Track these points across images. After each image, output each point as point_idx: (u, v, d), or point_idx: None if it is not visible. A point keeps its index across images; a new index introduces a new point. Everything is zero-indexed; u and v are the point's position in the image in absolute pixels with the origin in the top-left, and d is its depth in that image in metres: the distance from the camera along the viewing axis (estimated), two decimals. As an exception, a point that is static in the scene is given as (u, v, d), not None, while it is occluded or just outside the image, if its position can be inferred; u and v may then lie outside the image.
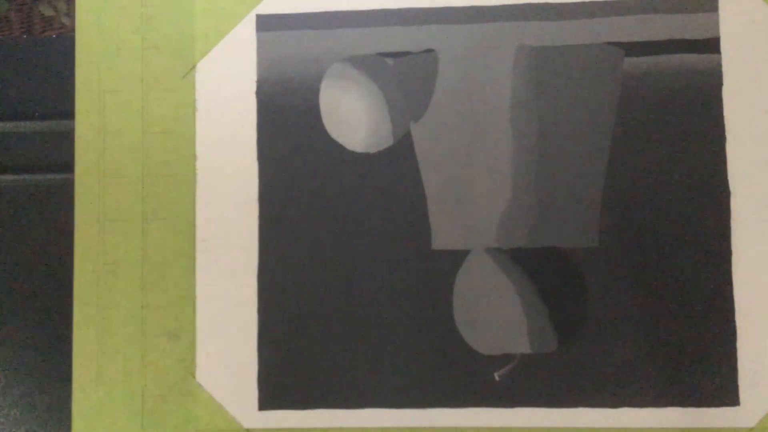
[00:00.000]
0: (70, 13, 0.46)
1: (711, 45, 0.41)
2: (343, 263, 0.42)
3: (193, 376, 0.42)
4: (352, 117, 0.43)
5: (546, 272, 0.41)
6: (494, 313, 0.41)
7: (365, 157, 0.42)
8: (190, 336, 0.42)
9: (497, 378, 0.41)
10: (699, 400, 0.40)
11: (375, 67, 0.43)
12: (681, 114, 0.41)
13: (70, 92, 0.43)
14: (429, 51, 0.42)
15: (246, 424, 0.41)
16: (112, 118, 0.43)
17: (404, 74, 0.42)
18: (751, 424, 0.40)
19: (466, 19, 0.42)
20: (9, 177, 0.45)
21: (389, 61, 0.42)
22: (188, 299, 0.42)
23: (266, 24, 0.43)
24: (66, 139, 0.43)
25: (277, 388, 0.41)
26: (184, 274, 0.42)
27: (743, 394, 0.40)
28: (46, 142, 0.45)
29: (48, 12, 0.45)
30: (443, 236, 0.41)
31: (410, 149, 0.42)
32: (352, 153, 0.42)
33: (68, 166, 0.43)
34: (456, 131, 0.42)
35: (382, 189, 0.42)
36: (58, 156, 0.44)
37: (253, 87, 0.43)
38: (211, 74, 0.43)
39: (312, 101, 0.42)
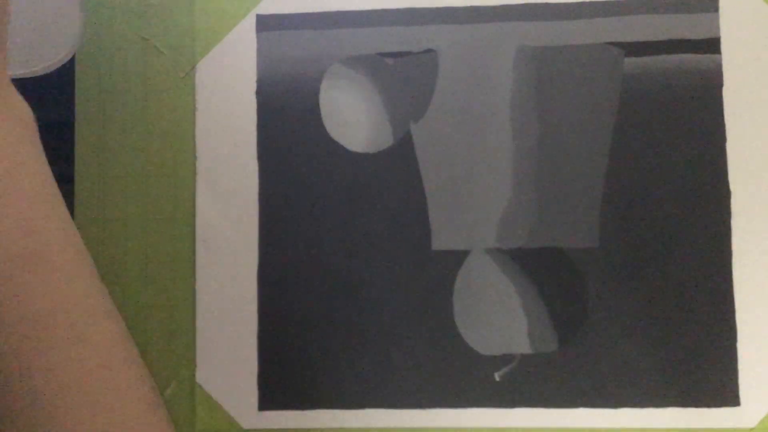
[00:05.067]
0: (70, 13, 0.45)
1: (711, 45, 0.41)
2: (343, 263, 0.42)
3: (193, 376, 0.42)
4: (352, 117, 0.43)
5: (546, 272, 0.41)
6: (494, 313, 0.41)
7: (365, 157, 0.42)
8: (190, 336, 0.42)
9: (497, 378, 0.41)
10: (699, 400, 0.40)
11: (375, 67, 0.43)
12: (681, 114, 0.41)
13: (70, 92, 0.43)
14: (429, 51, 0.42)
15: (245, 425, 0.41)
16: (112, 118, 0.43)
17: (404, 74, 0.42)
18: (752, 424, 0.39)
19: (466, 19, 0.42)
20: (9, 177, 0.45)
21: (389, 61, 0.42)
22: (188, 299, 0.42)
23: (266, 24, 0.43)
24: (66, 140, 0.43)
25: (277, 389, 0.41)
26: (184, 274, 0.42)
27: (744, 395, 0.40)
28: (45, 143, 0.45)
29: (48, 12, 0.45)
30: (443, 236, 0.41)
31: (410, 149, 0.42)
32: (352, 153, 0.42)
33: (68, 167, 0.43)
34: (456, 131, 0.42)
35: (382, 189, 0.42)
36: (59, 156, 0.44)
37: (253, 87, 0.43)
38: (211, 74, 0.43)
39: (312, 101, 0.42)
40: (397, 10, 0.42)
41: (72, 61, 0.44)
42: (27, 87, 0.45)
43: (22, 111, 0.30)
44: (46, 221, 0.29)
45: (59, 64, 0.38)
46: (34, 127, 0.31)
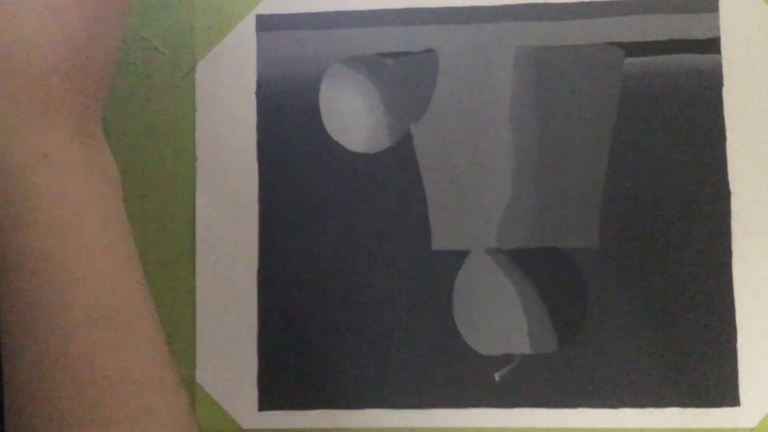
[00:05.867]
0: (71, 13, 0.45)
1: (711, 45, 0.41)
2: (343, 263, 0.42)
3: (193, 376, 0.42)
4: (352, 117, 0.43)
5: (546, 272, 0.41)
6: (494, 313, 0.41)
7: (365, 157, 0.42)
8: (190, 336, 0.42)
9: (497, 378, 0.41)
10: (699, 400, 0.40)
11: (375, 67, 0.43)
12: (681, 114, 0.41)
13: (70, 92, 0.43)
14: (429, 51, 0.42)
15: (245, 425, 0.41)
16: (113, 118, 0.43)
17: (404, 74, 0.42)
18: (752, 424, 0.39)
19: (466, 19, 0.42)
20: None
21: (389, 61, 0.42)
22: (188, 299, 0.42)
23: (266, 24, 0.43)
24: (66, 139, 0.43)
25: (277, 389, 0.41)
26: (184, 274, 0.42)
27: (744, 395, 0.40)
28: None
29: (48, 12, 0.45)
30: (443, 237, 0.41)
31: (410, 149, 0.42)
32: (352, 153, 0.42)
33: (68, 166, 0.43)
34: (456, 131, 0.42)
35: (382, 189, 0.42)
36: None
37: (253, 87, 0.43)
38: (211, 74, 0.43)
39: (312, 101, 0.42)
40: (397, 10, 0.42)
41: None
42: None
43: (110, 166, 0.30)
44: (127, 281, 0.29)
45: None
46: (119, 182, 0.30)
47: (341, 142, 0.42)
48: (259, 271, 0.42)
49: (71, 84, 0.27)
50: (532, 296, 0.41)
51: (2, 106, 0.27)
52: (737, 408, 0.40)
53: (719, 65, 0.41)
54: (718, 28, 0.41)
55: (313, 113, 0.42)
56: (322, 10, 0.43)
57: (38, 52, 0.27)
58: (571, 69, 0.41)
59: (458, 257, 0.41)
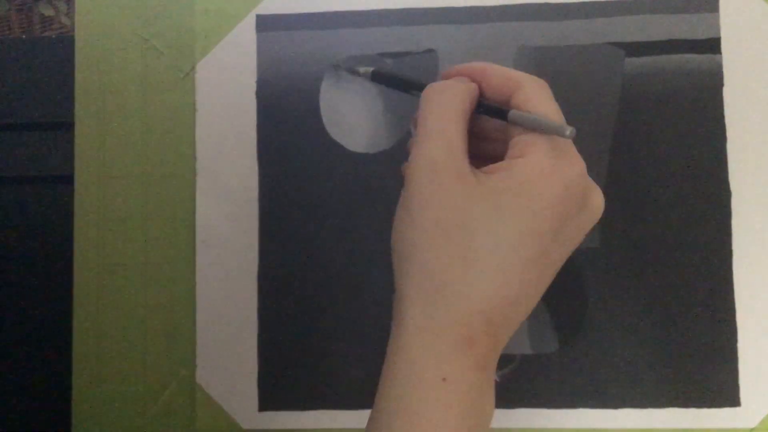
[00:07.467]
0: (70, 13, 0.46)
1: (712, 45, 0.41)
2: (343, 263, 0.42)
3: (193, 377, 0.42)
4: (352, 117, 0.43)
5: (546, 272, 0.41)
6: (494, 313, 0.41)
7: (365, 157, 0.42)
8: (190, 336, 0.42)
9: (498, 379, 0.41)
10: (700, 400, 0.40)
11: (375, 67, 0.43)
12: (681, 114, 0.41)
13: (70, 92, 0.43)
14: (429, 51, 0.42)
15: (246, 425, 0.41)
16: (112, 118, 0.43)
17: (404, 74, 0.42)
18: (752, 424, 0.39)
19: (466, 19, 0.42)
20: (9, 177, 0.45)
21: (389, 61, 0.42)
22: (188, 299, 0.42)
23: (266, 24, 0.43)
24: (66, 140, 0.43)
25: (277, 389, 0.41)
26: (184, 274, 0.42)
27: (744, 395, 0.40)
28: (46, 143, 0.45)
29: (48, 12, 0.45)
30: (443, 236, 0.41)
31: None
32: (352, 153, 0.42)
33: (68, 167, 0.43)
34: (456, 131, 0.42)
35: (382, 189, 0.42)
36: (58, 156, 0.44)
37: (253, 87, 0.43)
38: (211, 74, 0.43)
39: (312, 101, 0.42)
40: (397, 10, 0.42)
41: (72, 61, 0.44)
42: (27, 84, 0.45)
43: (488, 404, 0.31)
44: None
45: None
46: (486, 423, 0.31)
47: (341, 142, 0.42)
48: (259, 271, 0.42)
49: (490, 327, 0.30)
50: (532, 296, 0.41)
51: (431, 337, 0.30)
52: (737, 408, 0.40)
53: (719, 65, 0.41)
54: (718, 28, 0.41)
55: (313, 113, 0.42)
56: (322, 10, 0.43)
57: (475, 296, 0.30)
58: (571, 69, 0.41)
59: (458, 257, 0.41)
